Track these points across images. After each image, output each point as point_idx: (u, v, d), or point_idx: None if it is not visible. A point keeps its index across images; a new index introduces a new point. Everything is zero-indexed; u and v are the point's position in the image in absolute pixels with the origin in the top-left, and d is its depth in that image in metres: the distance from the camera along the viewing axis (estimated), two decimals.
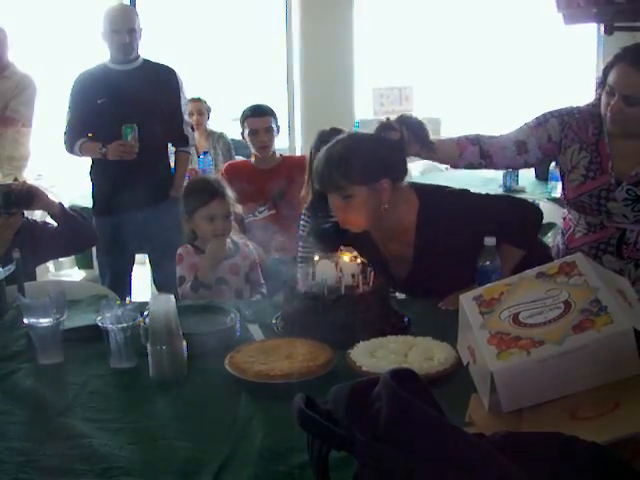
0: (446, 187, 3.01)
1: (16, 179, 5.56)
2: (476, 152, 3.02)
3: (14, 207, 3.40)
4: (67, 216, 3.57)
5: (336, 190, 2.75)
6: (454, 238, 2.75)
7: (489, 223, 2.73)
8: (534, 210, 3.00)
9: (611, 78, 2.75)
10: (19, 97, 5.61)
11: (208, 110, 6.62)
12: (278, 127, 4.69)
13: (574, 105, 3.01)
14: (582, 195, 2.96)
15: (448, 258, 2.75)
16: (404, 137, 2.85)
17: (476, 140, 3.03)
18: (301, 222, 3.54)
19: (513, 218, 2.86)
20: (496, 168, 3.24)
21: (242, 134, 4.68)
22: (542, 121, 2.99)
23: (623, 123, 2.77)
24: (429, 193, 2.94)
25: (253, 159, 4.65)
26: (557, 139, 2.98)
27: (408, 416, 1.08)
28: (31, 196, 3.47)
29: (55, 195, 5.67)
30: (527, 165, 3.16)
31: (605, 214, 2.93)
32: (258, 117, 4.57)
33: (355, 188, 2.72)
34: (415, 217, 2.87)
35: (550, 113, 3.01)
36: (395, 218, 2.84)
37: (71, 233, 3.55)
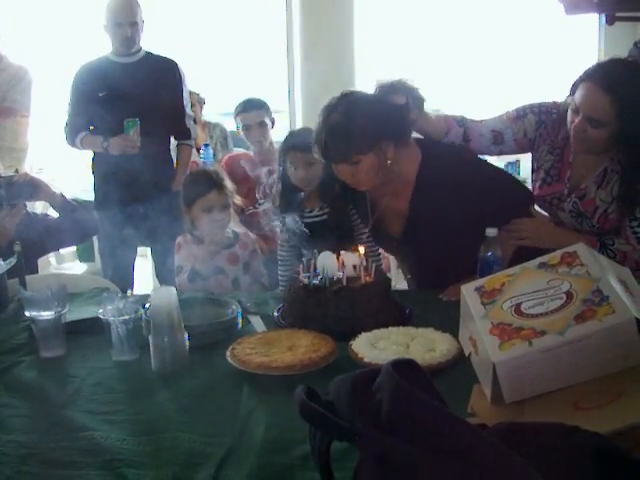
0: (457, 145, 3.01)
1: (17, 170, 5.58)
2: (460, 134, 3.02)
3: (16, 198, 3.40)
4: (68, 207, 3.57)
5: (343, 160, 2.75)
6: (450, 203, 2.74)
7: (487, 205, 2.72)
8: (527, 197, 2.99)
9: (577, 96, 2.68)
10: (16, 87, 5.60)
11: (201, 102, 6.60)
12: (272, 120, 4.67)
13: (560, 101, 2.94)
14: (538, 198, 2.99)
15: (442, 221, 2.75)
16: (408, 101, 2.84)
17: (462, 122, 3.04)
18: (274, 223, 3.53)
19: (511, 206, 2.85)
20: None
21: (237, 129, 4.67)
22: (521, 115, 2.98)
23: (585, 142, 2.72)
24: (434, 148, 2.93)
25: (252, 151, 4.64)
26: (532, 136, 2.98)
27: (410, 406, 1.07)
28: (33, 187, 3.47)
29: (56, 188, 5.70)
30: (502, 154, 3.17)
31: (560, 221, 2.95)
32: (250, 112, 4.56)
33: (361, 155, 2.71)
34: (415, 171, 2.87)
35: (530, 108, 2.98)
36: (396, 172, 2.84)
37: (72, 224, 3.55)
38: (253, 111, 4.55)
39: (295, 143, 3.39)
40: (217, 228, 3.32)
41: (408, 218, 2.90)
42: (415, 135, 2.94)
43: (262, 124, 4.53)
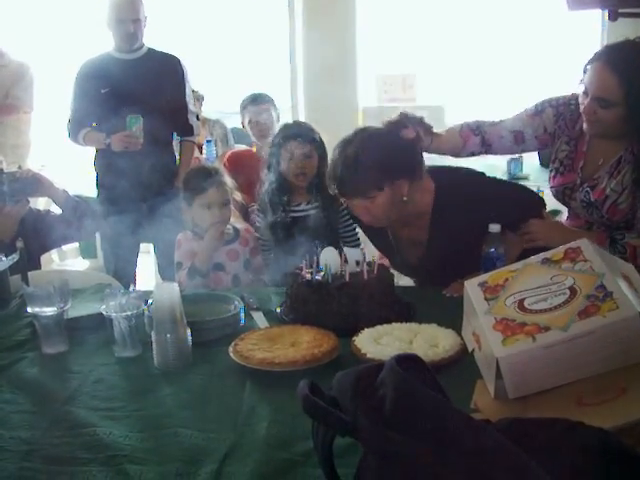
0: (462, 169, 3.00)
1: (20, 167, 5.60)
2: (477, 142, 3.02)
3: (19, 194, 3.40)
4: (71, 203, 3.57)
5: (358, 195, 2.75)
6: (468, 223, 2.74)
7: (503, 217, 2.71)
8: (538, 202, 3.00)
9: (586, 78, 2.68)
10: (19, 84, 5.64)
11: (200, 98, 6.59)
12: (278, 115, 4.66)
13: (576, 92, 2.89)
14: (552, 188, 3.00)
15: (461, 243, 2.74)
16: (418, 134, 2.84)
17: (478, 130, 3.02)
18: (257, 218, 3.55)
19: (525, 213, 2.86)
20: (496, 154, 3.23)
21: (242, 123, 4.67)
22: (539, 110, 2.97)
23: (596, 125, 2.72)
24: (445, 177, 2.92)
25: (254, 147, 4.63)
26: (551, 130, 2.97)
27: (413, 401, 1.07)
28: (36, 183, 3.47)
29: (59, 185, 5.71)
30: (525, 152, 3.18)
31: (572, 211, 2.97)
32: (258, 105, 4.55)
33: (376, 190, 2.71)
34: (431, 201, 2.87)
35: (548, 102, 2.97)
36: (412, 206, 2.84)
37: (75, 220, 3.55)
38: (261, 104, 4.55)
39: (292, 134, 3.40)
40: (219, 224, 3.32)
41: (427, 246, 2.92)
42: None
43: (269, 118, 4.52)
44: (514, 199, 2.91)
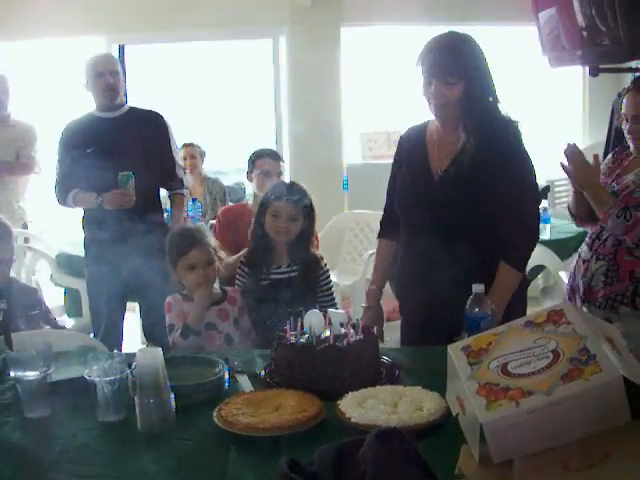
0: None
1: (25, 224, 5.71)
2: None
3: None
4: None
5: (441, 75, 2.87)
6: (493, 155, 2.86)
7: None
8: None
9: (623, 107, 3.14)
10: (31, 145, 5.78)
11: (202, 154, 6.63)
12: (282, 172, 4.66)
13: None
14: None
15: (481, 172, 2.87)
16: None
17: None
18: (237, 276, 3.53)
19: (529, 236, 2.99)
20: None
21: (248, 174, 4.62)
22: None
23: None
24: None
25: (251, 202, 4.59)
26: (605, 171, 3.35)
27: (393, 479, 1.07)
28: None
29: (45, 243, 5.73)
30: None
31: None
32: (275, 160, 4.53)
33: (458, 77, 2.86)
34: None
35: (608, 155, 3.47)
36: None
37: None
38: (277, 160, 4.54)
39: (280, 194, 3.41)
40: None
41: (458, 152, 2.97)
42: None
43: (280, 175, 4.51)
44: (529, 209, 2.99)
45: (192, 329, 3.19)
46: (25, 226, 6.04)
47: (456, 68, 2.85)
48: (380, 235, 3.32)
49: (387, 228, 3.28)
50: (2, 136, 5.83)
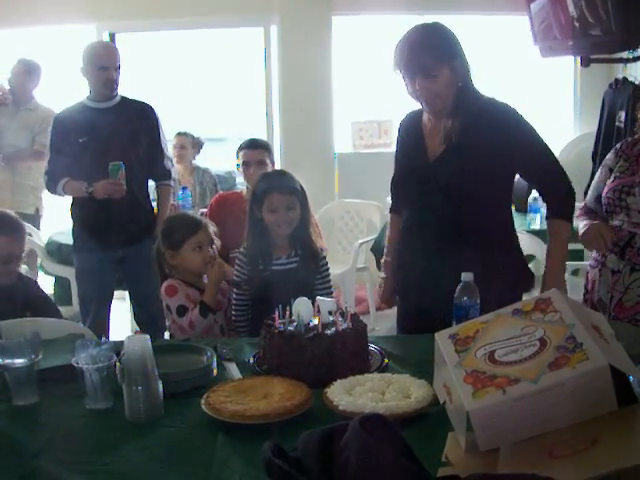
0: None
1: (37, 209, 5.64)
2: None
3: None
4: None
5: (422, 71, 2.86)
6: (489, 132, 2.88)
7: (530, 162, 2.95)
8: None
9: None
10: (45, 133, 5.73)
11: (199, 145, 6.62)
12: (273, 162, 4.66)
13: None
14: (608, 191, 3.20)
15: (480, 154, 2.87)
16: None
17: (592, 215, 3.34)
18: (236, 266, 3.51)
19: (561, 183, 2.99)
20: None
21: (237, 165, 4.65)
22: (604, 165, 3.33)
23: None
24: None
25: (245, 191, 4.61)
26: (613, 166, 3.27)
27: (376, 466, 1.07)
28: None
29: (35, 232, 5.71)
30: None
31: (625, 210, 3.12)
32: (253, 150, 4.55)
33: (439, 68, 2.85)
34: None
35: (609, 153, 3.36)
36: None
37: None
38: (256, 149, 4.55)
39: (275, 185, 3.38)
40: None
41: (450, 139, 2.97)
42: None
43: (262, 163, 4.50)
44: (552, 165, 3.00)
45: (211, 307, 3.21)
46: (37, 211, 6.10)
47: (434, 59, 2.85)
48: (391, 210, 3.40)
49: (396, 203, 3.34)
50: (21, 120, 5.94)
